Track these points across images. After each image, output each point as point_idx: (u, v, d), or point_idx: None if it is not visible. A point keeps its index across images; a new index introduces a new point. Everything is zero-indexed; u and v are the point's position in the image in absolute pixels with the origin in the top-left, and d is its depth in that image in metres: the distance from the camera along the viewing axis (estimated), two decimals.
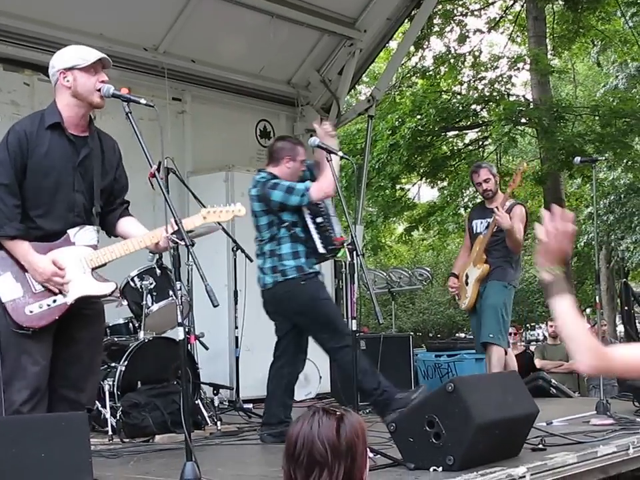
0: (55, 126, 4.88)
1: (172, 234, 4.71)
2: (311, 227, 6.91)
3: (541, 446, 5.68)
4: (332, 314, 6.99)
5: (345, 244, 6.73)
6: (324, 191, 6.69)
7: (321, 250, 6.93)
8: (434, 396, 5.34)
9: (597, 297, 8.70)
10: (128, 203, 5.33)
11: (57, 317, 4.81)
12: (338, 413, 2.89)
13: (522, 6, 20.91)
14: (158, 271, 7.75)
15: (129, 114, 4.81)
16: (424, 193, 28.01)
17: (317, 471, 2.80)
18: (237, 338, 8.97)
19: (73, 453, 3.66)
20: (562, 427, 6.75)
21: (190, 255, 4.68)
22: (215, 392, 8.21)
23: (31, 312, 4.74)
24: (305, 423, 2.86)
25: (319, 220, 6.90)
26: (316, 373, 10.53)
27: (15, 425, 3.77)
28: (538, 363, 12.59)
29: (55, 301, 4.80)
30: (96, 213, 5.02)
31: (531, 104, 18.99)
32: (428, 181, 22.37)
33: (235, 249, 8.73)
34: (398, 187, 21.99)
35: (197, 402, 7.47)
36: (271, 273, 6.96)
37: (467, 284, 8.48)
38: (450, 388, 5.08)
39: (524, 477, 4.92)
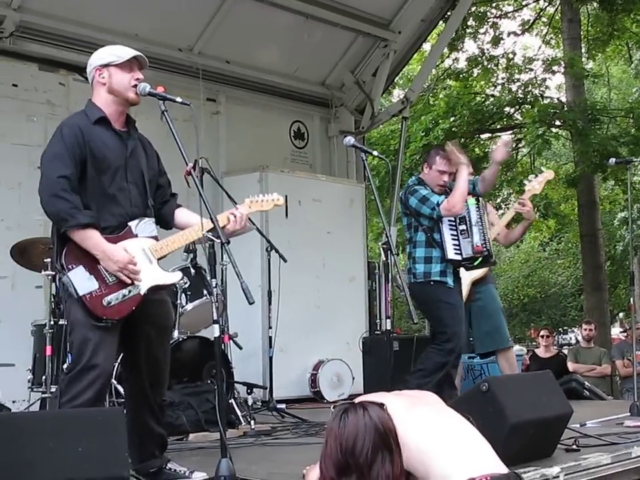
0: (100, 121, 4.92)
1: (208, 231, 4.74)
2: (445, 232, 7.27)
3: (574, 447, 5.63)
4: (446, 319, 7.23)
5: (482, 253, 7.29)
6: (449, 209, 7.03)
7: (452, 256, 7.26)
8: (468, 395, 5.33)
9: (632, 299, 8.59)
10: (177, 195, 5.37)
11: (132, 308, 4.82)
12: (382, 403, 2.96)
13: (556, 8, 20.82)
14: (192, 271, 7.78)
15: (165, 112, 4.84)
16: None
17: (380, 457, 2.84)
18: (270, 338, 8.96)
19: (110, 447, 3.68)
20: (596, 428, 6.70)
21: (225, 254, 4.69)
22: (249, 391, 8.21)
23: (109, 303, 4.74)
24: (360, 416, 2.91)
25: (461, 227, 7.28)
26: (349, 374, 10.56)
27: (52, 419, 3.80)
28: (571, 366, 12.53)
29: (130, 292, 4.80)
30: (150, 205, 5.06)
31: (565, 106, 18.89)
32: None
33: (268, 249, 8.74)
34: None
35: (230, 401, 7.49)
36: (407, 273, 7.43)
37: None
38: (484, 387, 5.07)
39: (558, 477, 4.89)
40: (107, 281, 4.77)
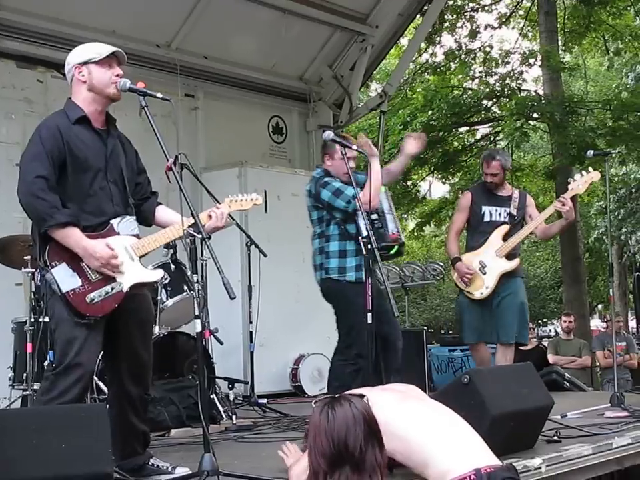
0: (81, 120, 4.91)
1: (189, 227, 4.75)
2: (361, 223, 6.78)
3: (556, 438, 5.67)
4: (355, 324, 6.74)
5: (397, 241, 7.01)
6: (365, 202, 6.51)
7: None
8: (450, 388, 5.35)
9: (611, 291, 8.61)
10: (157, 193, 5.37)
11: (115, 305, 4.82)
12: (357, 394, 2.99)
13: (533, 1, 20.88)
14: (172, 266, 7.77)
15: (145, 108, 4.84)
16: (435, 190, 28.02)
17: (370, 445, 2.88)
18: (251, 333, 8.98)
19: (94, 443, 3.68)
20: (576, 419, 6.75)
21: (206, 249, 4.70)
22: (230, 386, 8.23)
23: (92, 300, 4.73)
24: (348, 409, 2.95)
25: (373, 217, 6.87)
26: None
27: (35, 416, 3.79)
28: (551, 358, 12.61)
29: (112, 289, 4.80)
30: (131, 203, 5.06)
31: (543, 99, 18.96)
32: (439, 175, 22.38)
33: (248, 244, 8.75)
34: (409, 182, 21.95)
35: (212, 396, 7.50)
36: (319, 269, 7.15)
37: (483, 272, 8.08)
38: (465, 380, 5.10)
39: (539, 468, 4.93)
40: (90, 278, 4.77)
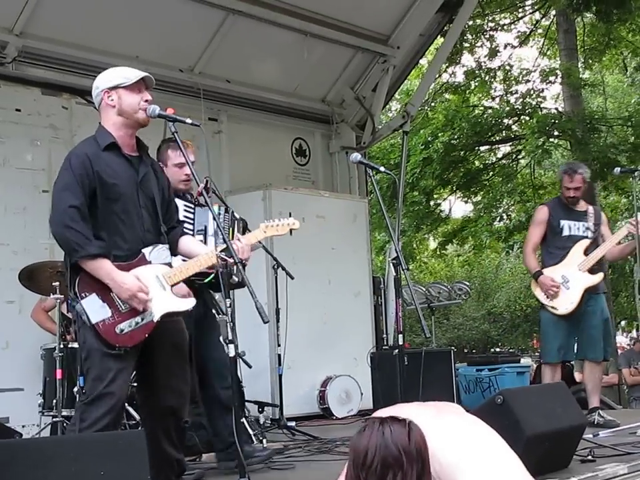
0: (111, 146, 4.92)
1: (221, 251, 4.76)
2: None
3: (590, 457, 5.64)
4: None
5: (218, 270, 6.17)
6: None
7: None
8: (483, 408, 5.31)
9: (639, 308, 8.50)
10: (183, 223, 5.39)
11: (146, 335, 4.82)
12: (406, 420, 2.96)
13: (551, 20, 20.88)
14: None
15: (176, 134, 4.87)
16: (456, 209, 27.99)
17: (391, 475, 2.85)
18: (279, 355, 8.97)
19: (132, 470, 3.68)
20: (609, 438, 6.70)
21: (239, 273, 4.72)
22: (260, 410, 8.22)
23: (122, 331, 4.74)
24: (375, 430, 2.92)
25: (199, 238, 6.15)
26: (357, 390, 10.55)
27: (74, 443, 3.78)
28: (577, 376, 12.50)
29: (143, 319, 4.80)
30: (163, 231, 5.07)
31: (563, 116, 18.95)
32: (461, 194, 22.37)
33: (275, 266, 8.75)
34: (432, 202, 21.95)
35: (242, 420, 7.48)
36: None
37: (566, 287, 7.84)
38: (499, 400, 5.07)
39: None
40: (120, 309, 4.77)
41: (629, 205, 22.74)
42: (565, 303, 7.84)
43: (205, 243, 6.20)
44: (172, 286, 4.95)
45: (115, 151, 4.94)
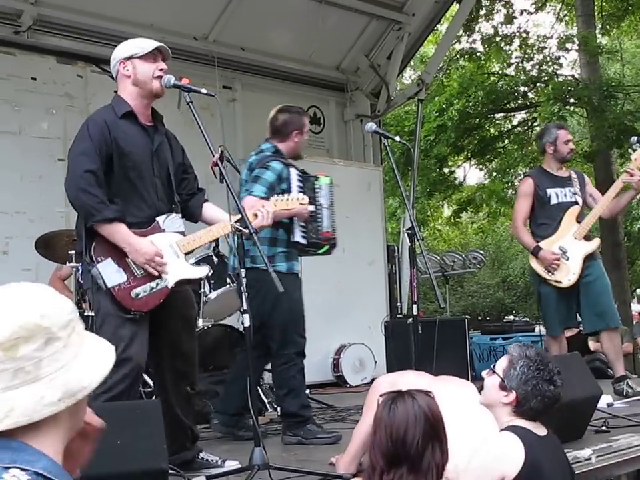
0: (127, 115, 4.94)
1: (236, 222, 4.77)
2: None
3: (604, 428, 5.65)
4: (290, 319, 6.39)
5: (330, 241, 6.44)
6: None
7: (298, 238, 6.35)
8: None
9: None
10: (204, 190, 5.40)
11: (160, 301, 4.85)
12: (424, 390, 2.98)
13: None
14: (215, 259, 7.79)
15: (191, 104, 4.87)
16: (470, 176, 27.91)
17: (430, 448, 2.86)
18: None
19: (148, 439, 3.71)
20: (623, 408, 6.70)
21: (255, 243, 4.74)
22: None
23: (137, 296, 4.77)
24: (410, 405, 2.92)
25: (310, 209, 6.15)
26: (371, 358, 10.59)
27: None
28: (592, 345, 12.48)
29: (157, 284, 4.83)
30: (177, 200, 5.09)
31: (580, 83, 18.84)
32: (476, 161, 22.31)
33: None
34: (445, 169, 21.88)
35: (256, 388, 7.52)
36: (245, 255, 6.01)
37: (566, 258, 7.66)
38: None
39: (589, 459, 4.90)
40: (135, 274, 4.80)
41: None
42: (568, 275, 7.68)
43: (319, 215, 6.37)
44: (185, 254, 4.99)
45: (132, 120, 4.97)
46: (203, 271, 5.21)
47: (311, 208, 6.14)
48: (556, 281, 7.70)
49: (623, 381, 7.60)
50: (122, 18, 9.65)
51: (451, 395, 3.98)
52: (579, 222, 7.78)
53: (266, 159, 6.38)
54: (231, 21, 10.81)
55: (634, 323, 16.05)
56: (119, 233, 4.75)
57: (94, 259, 4.77)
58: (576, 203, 7.85)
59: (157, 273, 4.82)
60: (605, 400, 6.49)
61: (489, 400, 3.81)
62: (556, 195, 7.86)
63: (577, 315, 8.03)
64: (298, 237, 6.34)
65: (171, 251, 4.93)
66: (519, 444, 3.57)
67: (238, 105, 11.35)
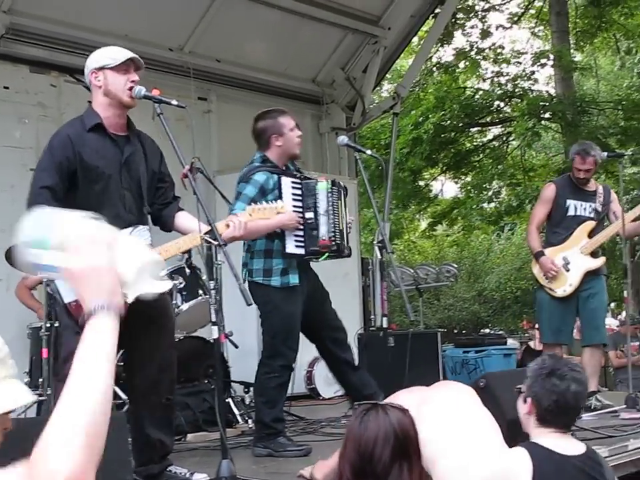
0: (96, 127, 4.93)
1: (205, 234, 4.76)
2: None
3: None
4: (279, 332, 6.32)
5: (329, 248, 6.29)
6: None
7: (291, 250, 6.20)
8: None
9: (625, 292, 8.49)
10: (179, 198, 5.38)
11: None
12: (399, 406, 2.93)
13: (544, 1, 20.85)
14: (187, 270, 7.76)
15: (160, 115, 4.87)
16: (448, 189, 27.99)
17: (397, 466, 2.80)
18: None
19: (113, 451, 3.68)
20: (591, 421, 6.73)
21: (222, 255, 4.72)
22: (246, 390, 8.23)
23: None
24: (381, 419, 2.86)
25: (308, 215, 6.17)
26: None
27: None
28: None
29: None
30: (146, 212, 5.06)
31: (554, 99, 18.94)
32: (451, 174, 22.40)
33: None
34: (421, 182, 21.94)
35: (227, 400, 7.51)
36: (244, 267, 6.36)
37: (567, 269, 7.75)
38: (482, 383, 5.10)
39: None
40: None
41: (617, 189, 22.74)
42: (564, 285, 7.78)
43: (316, 222, 6.20)
44: None
45: (100, 132, 4.95)
46: (166, 285, 5.13)
47: (309, 215, 6.16)
48: (550, 289, 7.83)
49: (592, 396, 7.65)
50: (96, 28, 9.61)
51: (451, 401, 3.96)
52: (590, 237, 7.85)
53: (252, 170, 6.29)
54: (207, 32, 10.80)
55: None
56: None
57: None
58: (592, 219, 7.91)
59: None
60: None
61: (522, 420, 3.87)
62: (575, 207, 7.94)
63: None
64: (291, 248, 6.20)
65: None
66: (526, 461, 3.56)
67: (213, 116, 11.34)
